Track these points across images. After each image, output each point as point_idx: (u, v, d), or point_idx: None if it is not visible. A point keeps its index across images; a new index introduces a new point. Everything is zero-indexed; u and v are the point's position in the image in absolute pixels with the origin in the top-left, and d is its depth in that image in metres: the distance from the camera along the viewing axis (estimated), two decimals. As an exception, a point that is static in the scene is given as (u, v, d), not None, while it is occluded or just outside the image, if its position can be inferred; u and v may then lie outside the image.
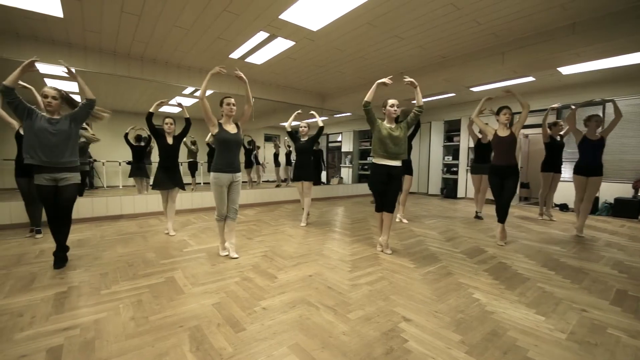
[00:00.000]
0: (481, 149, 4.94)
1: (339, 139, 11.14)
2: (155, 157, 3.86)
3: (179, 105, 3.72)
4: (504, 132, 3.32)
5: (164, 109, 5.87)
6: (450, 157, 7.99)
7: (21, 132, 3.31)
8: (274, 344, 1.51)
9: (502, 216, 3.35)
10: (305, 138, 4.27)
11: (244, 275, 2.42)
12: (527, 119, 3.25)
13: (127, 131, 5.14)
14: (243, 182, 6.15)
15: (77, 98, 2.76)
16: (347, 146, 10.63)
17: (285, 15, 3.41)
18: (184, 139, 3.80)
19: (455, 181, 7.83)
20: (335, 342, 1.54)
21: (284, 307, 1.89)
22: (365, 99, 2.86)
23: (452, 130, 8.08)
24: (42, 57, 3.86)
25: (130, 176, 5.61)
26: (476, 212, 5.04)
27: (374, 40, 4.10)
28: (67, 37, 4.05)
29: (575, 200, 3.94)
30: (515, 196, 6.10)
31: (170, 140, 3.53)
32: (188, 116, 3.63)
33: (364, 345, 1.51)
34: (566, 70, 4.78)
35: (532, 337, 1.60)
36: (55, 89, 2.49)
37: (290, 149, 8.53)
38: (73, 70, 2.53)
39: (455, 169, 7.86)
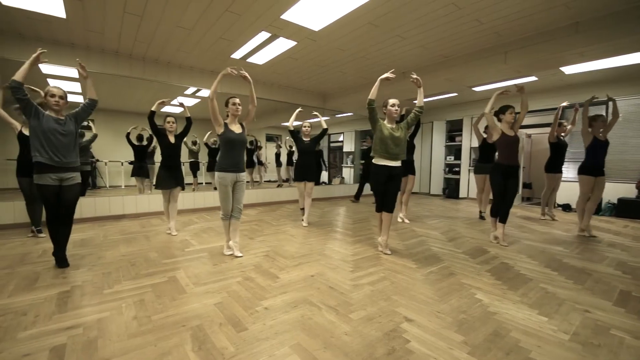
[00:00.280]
0: (486, 149, 4.84)
1: (341, 138, 11.14)
2: (158, 157, 3.88)
3: (181, 104, 3.74)
4: (509, 132, 3.31)
5: (165, 108, 5.88)
6: (452, 157, 7.97)
7: (24, 132, 3.33)
8: (275, 344, 1.51)
9: (503, 216, 3.35)
10: (308, 138, 4.26)
11: (245, 275, 2.43)
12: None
13: (128, 131, 5.16)
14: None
15: (77, 98, 2.77)
16: (348, 146, 10.63)
17: (287, 16, 3.41)
18: (185, 139, 3.81)
19: (457, 181, 7.81)
20: (337, 342, 1.54)
21: (285, 307, 1.89)
22: (370, 97, 2.82)
23: (454, 130, 8.05)
24: (45, 58, 3.88)
25: (132, 175, 5.64)
26: (480, 212, 5.01)
27: (376, 40, 4.09)
28: (70, 37, 4.08)
29: (579, 200, 3.89)
30: (517, 196, 6.09)
31: (172, 139, 3.54)
32: (189, 115, 3.64)
33: (365, 346, 1.51)
34: (569, 69, 4.76)
35: (535, 338, 1.59)
36: (61, 89, 2.50)
37: (292, 148, 8.53)
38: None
39: (457, 169, 7.84)
